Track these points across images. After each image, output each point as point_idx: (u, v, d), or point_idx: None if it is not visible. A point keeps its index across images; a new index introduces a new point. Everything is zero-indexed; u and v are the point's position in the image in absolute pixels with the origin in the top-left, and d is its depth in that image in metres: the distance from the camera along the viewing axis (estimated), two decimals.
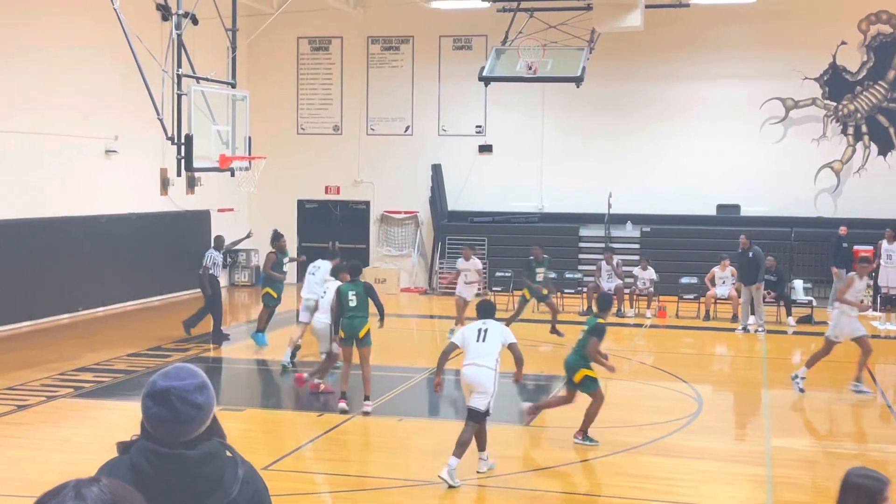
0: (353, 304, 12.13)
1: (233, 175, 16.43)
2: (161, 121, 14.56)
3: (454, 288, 24.32)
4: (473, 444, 9.75)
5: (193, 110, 14.27)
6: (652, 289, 21.51)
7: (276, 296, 17.11)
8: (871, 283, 22.14)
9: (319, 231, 26.08)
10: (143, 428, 3.04)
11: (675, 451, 10.88)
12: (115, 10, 13.90)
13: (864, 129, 23.70)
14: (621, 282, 21.60)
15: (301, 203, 26.76)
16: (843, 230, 21.97)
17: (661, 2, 20.62)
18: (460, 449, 9.51)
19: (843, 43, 23.52)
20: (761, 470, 10.22)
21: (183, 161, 14.36)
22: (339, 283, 12.97)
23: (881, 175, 23.50)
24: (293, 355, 15.44)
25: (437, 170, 25.45)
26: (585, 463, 10.27)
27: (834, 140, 23.84)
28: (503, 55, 19.39)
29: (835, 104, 23.78)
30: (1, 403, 12.61)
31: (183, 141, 14.26)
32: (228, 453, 3.04)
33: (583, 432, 10.89)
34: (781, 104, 23.98)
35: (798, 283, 21.80)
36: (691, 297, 21.56)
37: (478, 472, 9.83)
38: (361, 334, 12.12)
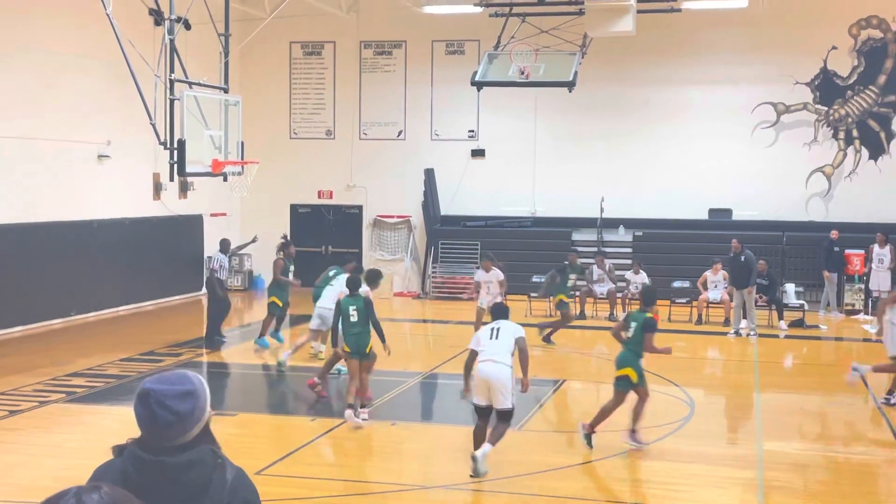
0: (354, 319, 11.90)
1: (225, 180, 16.46)
2: (154, 126, 14.58)
3: (449, 293, 24.49)
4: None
5: (186, 115, 14.30)
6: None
7: (281, 304, 17.19)
8: (863, 286, 22.26)
9: (312, 236, 26.08)
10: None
11: (668, 454, 10.90)
12: (107, 15, 13.92)
13: (854, 133, 23.79)
14: (614, 285, 21.67)
15: (294, 207, 26.76)
16: (834, 234, 22.05)
17: (652, 6, 20.67)
18: (496, 438, 9.78)
19: (834, 48, 23.61)
20: (753, 473, 10.25)
21: (176, 166, 14.38)
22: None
23: (872, 179, 23.58)
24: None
25: (429, 174, 25.48)
26: (578, 467, 10.29)
27: (825, 144, 23.93)
28: (495, 60, 19.42)
29: (826, 109, 23.87)
30: None
31: (176, 146, 14.28)
32: (220, 460, 3.04)
33: (591, 427, 10.80)
34: (773, 108, 24.07)
35: (790, 287, 21.88)
36: (683, 300, 21.61)
37: (470, 474, 9.84)
38: (368, 350, 12.02)
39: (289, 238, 18.75)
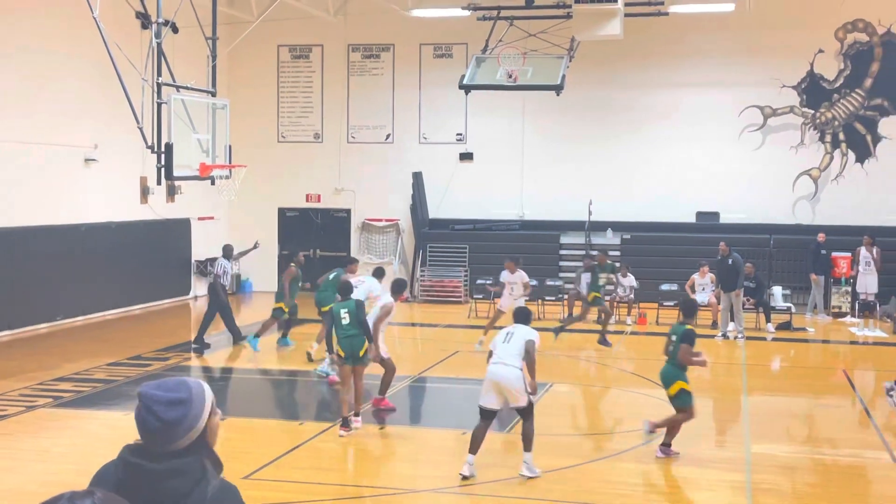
0: (346, 321, 11.76)
1: (213, 183, 16.43)
2: (141, 129, 14.53)
3: (437, 296, 24.48)
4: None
5: (173, 119, 14.27)
6: (632, 296, 21.61)
7: (286, 310, 17.39)
8: (850, 289, 22.34)
9: (300, 239, 26.04)
10: None
11: (655, 457, 10.91)
12: (94, 18, 13.87)
13: (841, 136, 23.89)
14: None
15: (282, 211, 26.73)
16: (821, 237, 22.13)
17: (640, 10, 20.73)
18: (528, 443, 9.87)
19: (821, 51, 23.72)
20: (741, 476, 10.28)
21: (163, 169, 14.35)
22: (375, 280, 13.76)
23: (858, 182, 23.68)
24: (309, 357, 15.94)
25: (417, 178, 25.48)
26: (566, 470, 10.29)
27: (812, 147, 24.02)
28: (483, 63, 19.44)
29: (812, 112, 23.97)
30: None
31: (163, 149, 14.25)
32: (206, 473, 2.98)
33: (666, 445, 10.81)
34: (760, 112, 24.15)
35: (777, 290, 21.95)
36: (671, 303, 21.63)
37: (461, 474, 9.85)
38: (362, 353, 11.83)
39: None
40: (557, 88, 18.60)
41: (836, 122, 23.89)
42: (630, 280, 21.61)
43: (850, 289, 22.37)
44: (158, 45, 14.39)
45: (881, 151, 23.62)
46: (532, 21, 20.37)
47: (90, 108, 20.51)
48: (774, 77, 23.87)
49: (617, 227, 24.37)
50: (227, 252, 18.21)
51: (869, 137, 23.73)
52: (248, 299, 25.04)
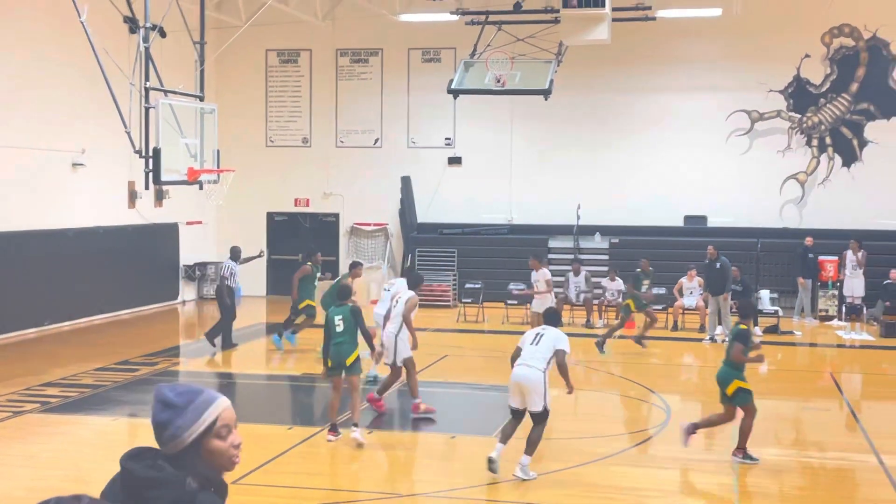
0: (339, 329, 11.40)
1: (201, 188, 16.41)
2: (129, 134, 14.51)
3: (426, 300, 24.38)
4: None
5: (161, 123, 14.24)
6: (620, 299, 21.62)
7: (314, 306, 17.25)
8: (837, 293, 22.43)
9: (289, 244, 25.99)
10: None
11: (644, 461, 10.95)
12: (81, 23, 13.86)
13: (828, 140, 24.00)
14: (590, 293, 21.75)
15: (270, 216, 26.69)
16: (809, 241, 22.19)
17: (627, 15, 20.78)
18: (530, 447, 9.97)
19: (807, 56, 23.83)
20: (729, 479, 10.31)
21: (151, 174, 14.32)
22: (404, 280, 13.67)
23: (845, 186, 23.79)
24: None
25: (406, 182, 25.49)
26: (555, 474, 10.31)
27: (798, 152, 24.12)
28: (472, 68, 19.47)
29: (799, 116, 24.07)
30: None
31: (151, 154, 14.22)
32: (189, 492, 2.90)
33: (742, 450, 10.80)
34: (747, 116, 24.25)
35: (764, 294, 22.00)
36: (659, 307, 21.68)
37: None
38: (349, 362, 11.41)
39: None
40: (545, 93, 18.64)
41: (823, 127, 24.00)
42: (618, 284, 21.64)
43: (836, 292, 22.45)
44: (146, 49, 14.37)
45: (867, 155, 23.73)
46: (520, 26, 20.39)
47: (78, 112, 20.45)
48: (761, 81, 23.97)
49: (605, 230, 24.42)
50: (235, 254, 18.17)
51: (855, 142, 23.84)
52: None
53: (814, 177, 24.07)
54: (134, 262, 22.83)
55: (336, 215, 26.40)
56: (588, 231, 24.32)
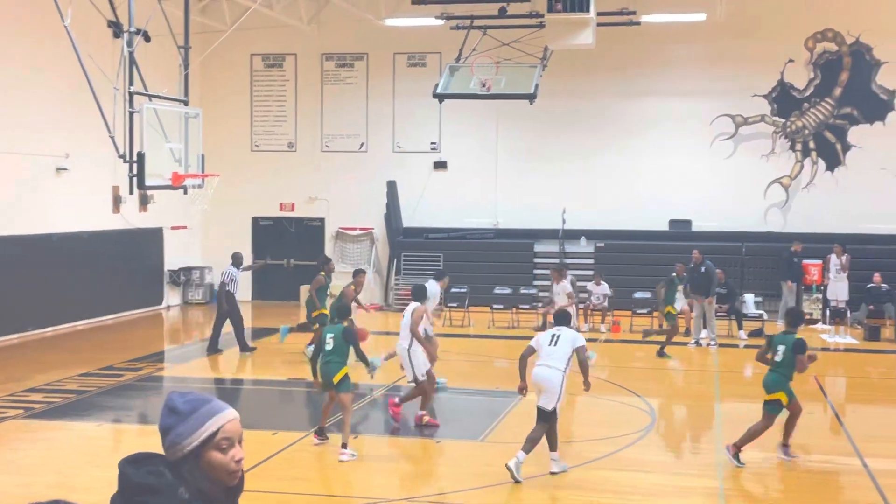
0: (328, 347, 11.32)
1: (186, 193, 16.36)
2: (113, 138, 14.46)
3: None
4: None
5: (146, 128, 14.19)
6: (606, 304, 21.69)
7: (328, 314, 17.00)
8: (822, 296, 22.52)
9: (275, 248, 25.92)
10: None
11: (629, 464, 10.96)
12: (65, 27, 13.81)
13: (811, 144, 24.12)
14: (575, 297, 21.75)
15: (256, 220, 26.64)
16: (796, 247, 22.21)
17: (612, 20, 20.85)
18: (529, 445, 10.15)
19: (791, 60, 23.94)
20: (714, 482, 10.34)
21: (135, 179, 14.27)
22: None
23: (829, 190, 23.90)
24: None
25: (392, 186, 25.48)
26: (541, 478, 10.31)
27: (783, 156, 24.23)
28: (457, 72, 19.49)
29: (783, 121, 24.18)
30: None
31: (135, 158, 14.17)
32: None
33: (738, 448, 10.88)
34: (731, 120, 24.34)
35: (749, 298, 22.08)
36: (645, 311, 21.74)
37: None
38: (336, 380, 11.26)
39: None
40: (531, 97, 18.68)
41: (807, 131, 24.12)
42: (604, 288, 21.69)
43: (821, 296, 22.55)
44: (130, 53, 14.33)
45: (851, 160, 23.85)
46: (505, 30, 20.43)
47: (61, 116, 20.37)
48: (745, 86, 24.07)
49: (590, 235, 24.46)
50: (237, 260, 18.15)
51: (839, 146, 23.96)
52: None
53: (798, 181, 24.18)
54: (118, 267, 22.74)
55: (321, 220, 26.36)
56: (574, 235, 24.36)
